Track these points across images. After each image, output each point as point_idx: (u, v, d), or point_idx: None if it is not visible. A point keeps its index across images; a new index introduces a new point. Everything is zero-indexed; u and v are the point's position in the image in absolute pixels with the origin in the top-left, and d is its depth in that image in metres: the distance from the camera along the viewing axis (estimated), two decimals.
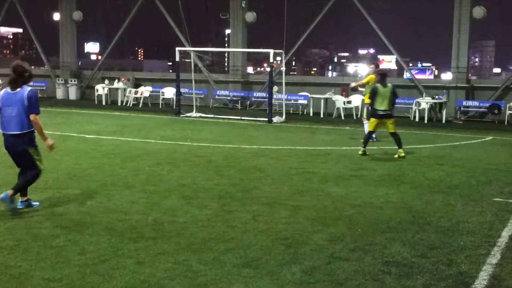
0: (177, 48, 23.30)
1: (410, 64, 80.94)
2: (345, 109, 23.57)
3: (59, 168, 10.48)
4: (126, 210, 7.62)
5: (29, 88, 7.36)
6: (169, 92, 27.14)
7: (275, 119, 21.00)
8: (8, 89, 7.32)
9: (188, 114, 22.67)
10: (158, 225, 6.95)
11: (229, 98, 27.66)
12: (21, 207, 7.49)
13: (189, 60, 25.95)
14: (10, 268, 5.36)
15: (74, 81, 31.11)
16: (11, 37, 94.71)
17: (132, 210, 7.63)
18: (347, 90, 24.13)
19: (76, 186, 9.08)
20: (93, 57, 40.72)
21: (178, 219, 7.26)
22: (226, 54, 34.96)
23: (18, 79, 7.30)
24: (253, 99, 27.21)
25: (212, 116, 22.36)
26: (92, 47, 40.55)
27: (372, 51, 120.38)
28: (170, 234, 6.58)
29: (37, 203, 7.73)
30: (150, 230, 6.73)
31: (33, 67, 37.76)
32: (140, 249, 6.01)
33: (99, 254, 5.80)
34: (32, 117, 7.22)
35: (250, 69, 32.29)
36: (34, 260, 5.58)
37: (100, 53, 38.41)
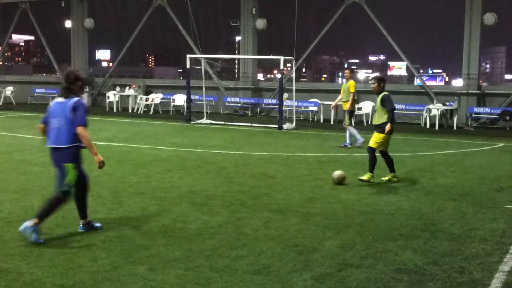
0: (187, 55, 23.39)
1: (421, 71, 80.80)
2: (355, 116, 23.51)
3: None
4: (137, 217, 7.65)
5: (77, 98, 6.73)
6: (179, 99, 27.23)
7: (286, 126, 21.00)
8: (58, 99, 6.77)
9: (198, 121, 22.72)
10: (169, 232, 6.96)
11: (239, 105, 27.70)
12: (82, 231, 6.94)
13: (199, 67, 26.04)
14: (23, 275, 5.39)
15: (86, 88, 31.25)
16: (23, 44, 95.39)
17: (143, 217, 7.66)
18: (357, 97, 24.10)
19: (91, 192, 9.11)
20: (104, 64, 40.92)
21: (189, 225, 7.28)
22: (236, 61, 35.04)
23: (70, 87, 6.75)
24: (263, 106, 27.24)
25: (222, 123, 22.40)
26: (103, 54, 40.77)
27: (382, 57, 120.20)
28: (181, 241, 6.60)
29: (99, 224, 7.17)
30: (161, 236, 6.75)
31: (44, 74, 38.04)
32: (152, 255, 6.03)
33: (110, 261, 5.82)
34: (78, 129, 6.58)
35: (260, 76, 32.34)
36: (46, 267, 5.61)
37: (111, 60, 38.57)
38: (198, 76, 25.00)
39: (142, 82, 30.96)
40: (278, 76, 22.40)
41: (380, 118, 10.49)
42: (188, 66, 23.36)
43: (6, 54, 42.22)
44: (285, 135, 19.13)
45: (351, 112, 15.82)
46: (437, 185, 10.38)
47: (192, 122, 22.52)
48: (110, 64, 37.53)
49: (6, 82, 33.63)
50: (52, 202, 6.66)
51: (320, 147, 15.71)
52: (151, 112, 27.18)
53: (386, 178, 10.62)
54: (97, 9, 33.57)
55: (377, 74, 12.36)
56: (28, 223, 6.40)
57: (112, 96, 28.78)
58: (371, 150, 10.52)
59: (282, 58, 21.05)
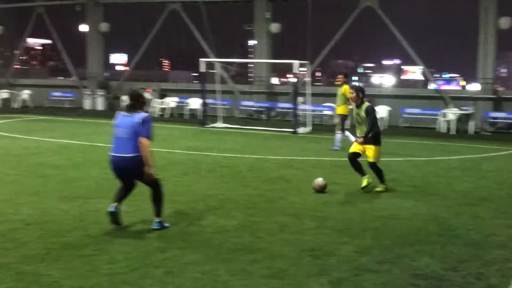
0: (201, 59, 23.47)
1: (436, 75, 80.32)
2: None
3: (88, 178, 10.61)
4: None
5: (146, 114, 7.29)
6: (194, 102, 27.30)
7: (300, 130, 20.99)
8: (125, 113, 7.30)
9: (213, 125, 22.77)
10: (185, 235, 6.99)
11: (254, 108, 27.72)
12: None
13: (214, 71, 26.12)
14: (41, 277, 5.43)
15: (101, 92, 31.46)
16: (40, 48, 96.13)
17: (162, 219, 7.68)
18: (372, 101, 24.03)
19: (105, 195, 9.16)
20: (119, 68, 41.17)
21: (205, 229, 7.30)
22: (250, 65, 35.09)
23: (135, 104, 7.28)
24: (278, 109, 27.24)
25: (237, 126, 22.44)
26: (118, 58, 41.05)
27: (397, 62, 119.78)
28: (197, 244, 6.62)
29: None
30: (177, 239, 6.77)
31: (61, 78, 38.39)
32: (168, 258, 6.05)
33: (128, 263, 5.85)
34: (142, 140, 7.08)
35: (274, 80, 32.35)
36: (64, 269, 5.65)
37: (127, 64, 38.83)
38: (212, 80, 25.05)
39: (157, 86, 31.09)
40: (293, 80, 22.40)
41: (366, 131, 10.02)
42: (202, 70, 23.44)
43: (23, 58, 42.58)
44: (300, 139, 19.12)
45: (345, 117, 15.77)
46: (454, 190, 10.32)
47: (207, 126, 22.58)
48: (127, 68, 37.72)
49: (22, 85, 33.93)
50: (158, 197, 7.35)
51: (335, 151, 15.67)
52: (166, 116, 27.27)
53: (364, 183, 10.01)
54: (113, 13, 33.77)
55: (358, 84, 11.61)
56: (155, 224, 7.24)
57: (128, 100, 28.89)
58: (373, 165, 10.10)
59: (296, 62, 21.05)
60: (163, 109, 27.97)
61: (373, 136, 10.05)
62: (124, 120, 7.24)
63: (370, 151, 10.07)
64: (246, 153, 14.83)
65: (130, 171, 7.24)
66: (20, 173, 11.06)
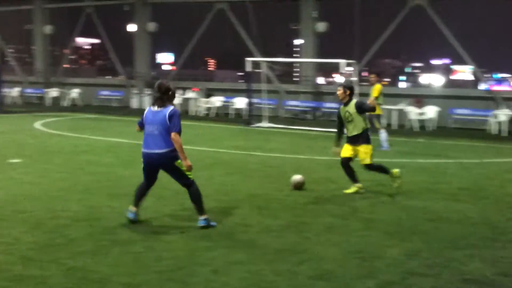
0: (247, 59, 23.51)
1: (487, 75, 78.57)
2: (418, 120, 23.07)
3: (136, 176, 10.72)
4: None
5: (172, 107, 7.25)
6: (240, 102, 27.38)
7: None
8: (152, 108, 7.26)
9: (258, 124, 22.79)
10: (231, 234, 7.00)
11: (299, 108, 27.61)
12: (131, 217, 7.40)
13: (260, 71, 26.14)
14: (91, 273, 5.52)
15: (148, 91, 31.86)
16: (88, 47, 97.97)
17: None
18: (420, 102, 23.66)
19: (151, 193, 9.25)
20: (166, 67, 41.61)
21: (251, 229, 7.29)
22: (296, 64, 34.98)
23: (163, 97, 7.22)
24: (323, 109, 27.06)
25: (282, 126, 22.39)
26: (165, 58, 41.51)
27: (446, 61, 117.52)
28: (243, 244, 6.62)
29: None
30: (223, 238, 6.79)
31: (109, 76, 39.06)
32: (215, 257, 6.06)
33: (175, 261, 5.89)
34: (172, 135, 7.08)
35: (320, 80, 32.18)
36: (113, 266, 5.73)
37: (174, 63, 39.26)
38: (258, 80, 25.06)
39: (203, 85, 31.31)
40: (339, 79, 22.21)
41: (357, 128, 9.64)
42: (248, 69, 23.48)
43: (72, 57, 43.51)
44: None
45: (378, 116, 15.63)
46: (507, 193, 10.03)
47: (252, 125, 22.61)
48: (173, 67, 38.13)
49: (72, 84, 34.67)
50: (196, 196, 7.31)
51: (382, 152, 15.45)
52: (211, 115, 27.44)
53: (351, 190, 9.70)
54: (160, 13, 34.17)
55: (346, 79, 10.80)
56: (201, 222, 7.20)
57: (175, 99, 29.19)
58: (371, 167, 9.76)
59: (343, 61, 20.86)
60: (208, 109, 28.15)
61: (362, 134, 9.71)
62: (154, 116, 7.17)
63: (362, 153, 9.73)
64: (291, 153, 14.77)
65: (163, 166, 7.26)
66: (70, 170, 11.29)
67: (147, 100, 31.70)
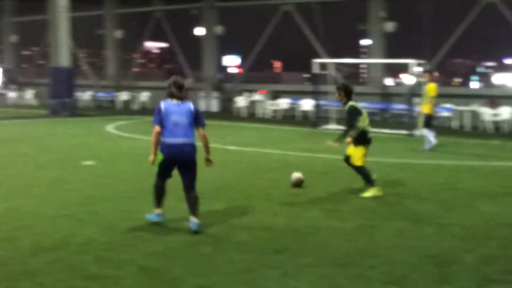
0: (314, 60, 23.38)
1: None
2: (492, 122, 22.30)
3: (203, 179, 10.83)
4: (268, 221, 7.71)
5: (190, 102, 7.41)
6: (306, 104, 27.27)
7: (417, 132, 20.34)
8: (170, 101, 7.28)
9: (325, 127, 22.62)
10: (300, 237, 6.95)
11: (367, 110, 27.19)
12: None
13: (326, 72, 25.94)
14: (163, 273, 5.60)
15: (216, 93, 32.22)
16: (157, 51, 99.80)
17: (274, 221, 7.72)
18: (494, 102, 22.87)
19: (221, 196, 9.36)
20: (232, 70, 41.93)
21: (321, 232, 7.22)
22: (363, 65, 34.55)
23: (182, 92, 7.31)
24: (392, 111, 26.59)
25: None
26: (232, 60, 41.83)
27: None
28: (313, 247, 6.56)
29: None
30: (293, 242, 6.75)
31: None
32: (284, 260, 6.04)
33: (245, 264, 5.90)
34: (202, 130, 7.33)
35: (388, 81, 31.58)
36: (185, 266, 5.80)
37: (241, 66, 39.55)
38: (325, 81, 24.88)
39: (270, 87, 31.37)
40: (406, 80, 21.78)
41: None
42: (315, 71, 23.35)
43: (141, 61, 44.59)
44: (416, 141, 18.51)
45: (430, 117, 15.32)
46: None
47: (319, 128, 22.46)
48: (240, 70, 38.42)
49: (141, 88, 35.47)
50: (197, 198, 7.37)
51: (455, 154, 15.03)
52: (278, 118, 27.47)
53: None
54: (227, 16, 34.46)
55: (343, 81, 10.40)
56: (196, 225, 7.08)
57: (241, 102, 29.43)
58: (357, 168, 9.56)
59: (413, 61, 20.43)
60: (275, 111, 28.18)
61: (356, 136, 9.56)
62: (176, 109, 7.21)
63: (352, 156, 9.57)
64: None
65: (191, 156, 7.29)
66: (141, 172, 11.51)
67: (214, 103, 32.08)
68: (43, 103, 32.47)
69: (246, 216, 7.98)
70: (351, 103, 9.60)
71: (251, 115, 28.95)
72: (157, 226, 7.36)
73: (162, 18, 35.46)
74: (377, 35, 27.64)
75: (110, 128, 21.16)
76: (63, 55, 27.45)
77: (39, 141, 17.09)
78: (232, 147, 15.68)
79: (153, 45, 50.04)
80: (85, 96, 33.92)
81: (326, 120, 23.42)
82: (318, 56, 28.47)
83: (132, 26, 38.53)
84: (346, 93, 9.60)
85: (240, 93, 31.04)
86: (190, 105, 7.33)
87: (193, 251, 6.30)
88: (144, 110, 31.20)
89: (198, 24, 34.33)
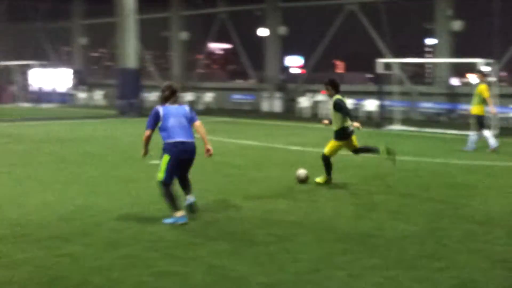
0: (378, 60, 23.11)
1: None
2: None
3: (268, 178, 10.95)
4: (334, 221, 7.71)
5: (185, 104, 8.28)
6: (370, 104, 27.00)
7: (485, 133, 19.79)
8: (167, 104, 7.95)
9: (390, 127, 22.32)
10: (365, 238, 6.91)
11: (433, 110, 26.71)
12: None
13: (390, 72, 25.60)
14: (230, 271, 5.69)
15: (279, 94, 32.31)
16: (221, 52, 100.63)
17: (340, 222, 7.71)
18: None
19: (286, 195, 9.41)
20: (295, 70, 41.92)
21: (386, 233, 7.16)
22: (428, 65, 33.86)
23: (176, 96, 8.04)
24: (458, 111, 25.97)
25: (415, 129, 21.76)
26: (294, 61, 41.84)
27: None
28: (379, 248, 6.51)
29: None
30: (358, 243, 6.72)
31: (242, 81, 40.10)
32: (350, 261, 6.02)
33: (311, 263, 5.92)
34: (197, 123, 8.05)
35: (454, 81, 30.82)
36: (251, 265, 5.86)
37: (303, 66, 39.51)
38: (389, 81, 24.56)
39: None
40: (473, 80, 21.19)
41: (336, 124, 10.33)
42: (379, 71, 23.08)
43: (205, 62, 45.23)
44: (484, 142, 18.02)
45: (481, 118, 15.13)
46: None
47: (383, 128, 22.19)
48: (303, 70, 38.41)
49: (206, 88, 35.98)
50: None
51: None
52: None
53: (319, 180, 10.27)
54: (291, 17, 34.49)
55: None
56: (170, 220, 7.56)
57: (304, 102, 29.41)
58: (324, 157, 10.39)
59: (481, 60, 19.90)
60: None
61: (336, 131, 10.34)
62: (178, 110, 7.90)
63: (327, 146, 10.42)
64: (425, 156, 14.33)
65: (194, 154, 7.95)
66: (206, 172, 11.69)
67: (277, 104, 32.17)
68: (112, 104, 33.38)
69: (310, 216, 7.99)
70: (338, 96, 10.20)
71: (314, 116, 28.88)
72: (224, 225, 7.47)
73: (226, 19, 35.84)
74: (444, 34, 27.08)
75: None
76: (130, 57, 28.18)
77: (108, 140, 17.63)
78: (294, 147, 15.71)
79: (216, 46, 50.60)
80: (151, 97, 34.68)
81: (390, 120, 23.12)
82: (382, 56, 28.13)
83: (197, 28, 39.16)
84: (334, 87, 10.27)
85: (303, 93, 31.02)
86: (185, 106, 8.09)
87: (259, 250, 6.36)
88: (209, 111, 31.62)
89: (261, 25, 34.51)
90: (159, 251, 6.31)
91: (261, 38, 34.75)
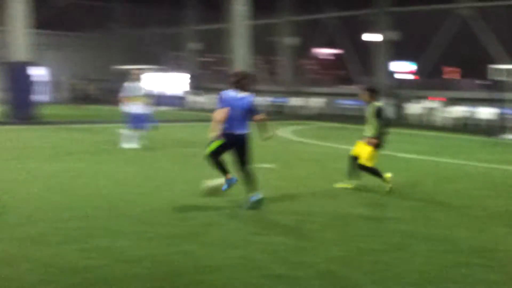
0: (492, 66, 22.15)
1: None
2: None
3: (379, 187, 10.80)
4: (447, 232, 7.47)
5: (250, 94, 8.31)
6: (484, 112, 25.90)
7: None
8: (232, 93, 8.20)
9: (505, 136, 21.29)
10: (483, 252, 6.61)
11: None
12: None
13: (505, 79, 24.44)
14: (342, 279, 5.64)
15: (389, 100, 31.68)
16: (329, 58, 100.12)
17: (454, 233, 7.45)
18: None
19: (394, 203, 9.25)
20: (405, 76, 40.90)
21: (504, 247, 6.85)
22: None
23: (243, 84, 8.19)
24: None
25: None
26: (405, 66, 40.87)
27: None
28: (498, 263, 6.24)
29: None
30: (476, 256, 6.44)
31: (350, 86, 39.77)
32: (468, 275, 5.81)
33: (426, 276, 5.74)
34: (259, 116, 8.33)
35: None
36: (364, 273, 5.78)
37: (416, 72, 38.61)
38: (503, 88, 23.41)
39: (443, 94, 30.25)
40: None
41: (369, 130, 10.26)
42: (495, 77, 22.11)
43: (313, 67, 45.35)
44: None
45: None
46: None
47: (499, 137, 21.21)
48: (416, 77, 37.56)
49: (313, 93, 35.95)
50: (252, 174, 8.43)
51: None
52: (454, 126, 26.40)
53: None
54: (401, 21, 33.76)
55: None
56: (254, 197, 8.36)
57: (415, 109, 28.74)
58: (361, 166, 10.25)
59: None
60: (450, 119, 27.14)
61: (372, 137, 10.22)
62: (235, 101, 8.11)
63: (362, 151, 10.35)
64: None
65: (243, 145, 8.25)
66: (320, 178, 11.71)
67: (389, 110, 31.48)
68: None
69: (424, 226, 7.81)
70: (378, 103, 10.32)
71: (423, 123, 28.17)
72: (336, 231, 7.45)
73: (334, 24, 35.70)
74: None
75: (286, 132, 21.63)
76: (241, 62, 28.73)
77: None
78: (404, 155, 15.38)
79: (324, 51, 50.49)
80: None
81: (504, 129, 22.07)
82: (496, 62, 26.91)
83: (304, 33, 39.27)
84: (373, 94, 10.34)
85: (412, 100, 30.29)
86: (249, 98, 8.36)
87: (372, 258, 6.28)
88: (316, 116, 31.60)
89: (369, 30, 34.05)
90: (270, 254, 6.37)
91: (369, 43, 34.28)
